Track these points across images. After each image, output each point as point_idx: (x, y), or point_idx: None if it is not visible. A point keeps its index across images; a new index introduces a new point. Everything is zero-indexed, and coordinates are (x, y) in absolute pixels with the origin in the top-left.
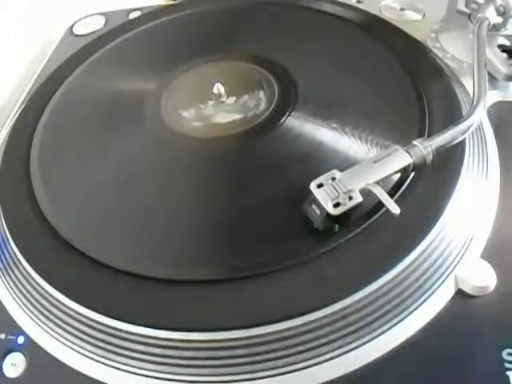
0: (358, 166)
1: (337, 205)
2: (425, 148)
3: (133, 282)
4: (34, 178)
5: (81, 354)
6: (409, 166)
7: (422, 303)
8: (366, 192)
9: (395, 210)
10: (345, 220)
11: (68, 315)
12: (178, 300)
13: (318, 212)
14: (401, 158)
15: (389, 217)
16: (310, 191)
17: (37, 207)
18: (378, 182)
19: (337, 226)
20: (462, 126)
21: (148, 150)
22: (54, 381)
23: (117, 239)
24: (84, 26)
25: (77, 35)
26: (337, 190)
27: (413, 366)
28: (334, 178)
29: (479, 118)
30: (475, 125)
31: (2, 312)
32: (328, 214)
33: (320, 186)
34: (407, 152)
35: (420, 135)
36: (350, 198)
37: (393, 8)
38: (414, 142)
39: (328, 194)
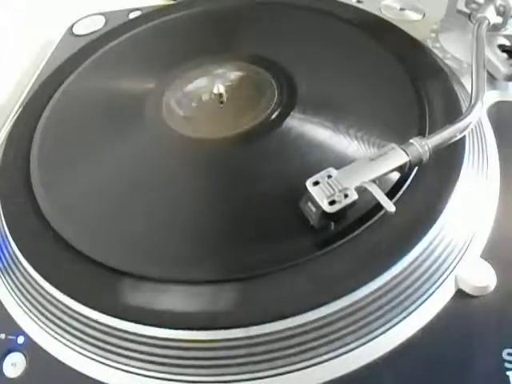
0: (354, 163)
1: (332, 202)
2: (421, 146)
3: (133, 282)
4: (33, 178)
5: (81, 353)
6: (405, 164)
7: (422, 303)
8: (363, 190)
9: (390, 208)
10: (341, 218)
11: (68, 315)
12: (177, 300)
13: (313, 210)
14: (397, 157)
15: (388, 216)
16: (306, 189)
17: (37, 207)
18: (374, 181)
19: (332, 223)
20: (460, 124)
21: (148, 151)
22: (54, 381)
23: (117, 239)
24: (84, 25)
25: (77, 35)
26: (332, 188)
27: (413, 366)
28: (329, 176)
29: (477, 116)
30: (473, 124)
31: (1, 312)
32: (324, 212)
33: (316, 183)
34: (404, 150)
35: (420, 135)
36: (346, 196)
37: (393, 8)
38: (411, 141)
39: (324, 192)
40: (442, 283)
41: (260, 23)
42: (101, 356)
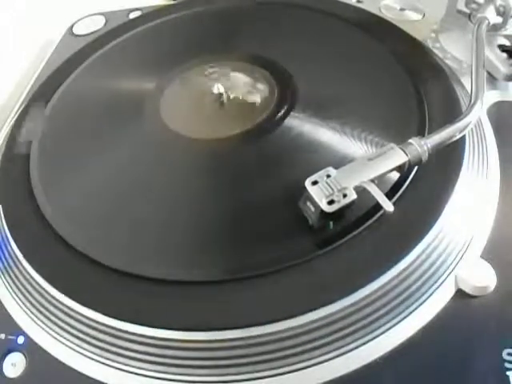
0: (353, 163)
1: (331, 202)
2: (420, 146)
3: (132, 282)
4: (33, 178)
5: (81, 353)
6: (404, 164)
7: (422, 303)
8: (362, 190)
9: (389, 208)
10: (340, 218)
11: (68, 315)
12: (177, 300)
13: (312, 209)
14: (396, 157)
15: (388, 216)
16: (305, 188)
17: (37, 207)
18: (373, 180)
19: (331, 223)
20: (459, 124)
21: (147, 151)
22: (54, 381)
23: (117, 239)
24: (84, 25)
25: (77, 35)
26: (331, 188)
27: (413, 365)
28: (328, 176)
29: (477, 116)
30: (473, 123)
31: (2, 312)
32: (322, 212)
33: (315, 183)
34: (403, 150)
35: (419, 135)
36: (345, 196)
37: (393, 8)
38: (410, 141)
39: (322, 192)
40: (442, 283)
41: (260, 23)
42: (101, 356)
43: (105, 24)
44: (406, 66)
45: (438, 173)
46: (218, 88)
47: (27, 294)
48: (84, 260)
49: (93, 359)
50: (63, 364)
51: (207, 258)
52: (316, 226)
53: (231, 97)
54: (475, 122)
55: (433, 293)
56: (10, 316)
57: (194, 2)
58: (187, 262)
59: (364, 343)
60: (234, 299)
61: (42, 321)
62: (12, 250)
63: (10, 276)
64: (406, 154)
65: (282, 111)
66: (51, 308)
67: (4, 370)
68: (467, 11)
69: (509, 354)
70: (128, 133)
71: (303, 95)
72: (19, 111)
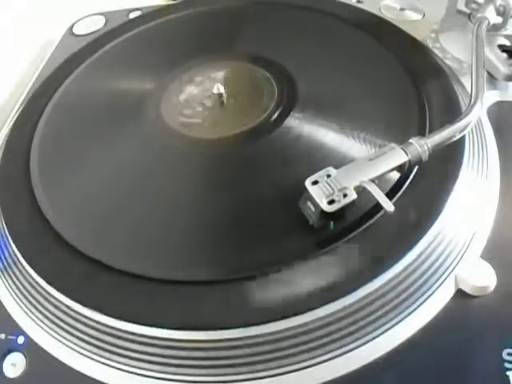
0: (354, 163)
1: (331, 202)
2: (421, 146)
3: (132, 282)
4: (33, 178)
5: (81, 353)
6: (404, 164)
7: (422, 303)
8: (362, 190)
9: (390, 208)
10: (340, 217)
11: (68, 315)
12: (177, 300)
13: (312, 209)
14: (396, 156)
15: (388, 216)
16: (305, 188)
17: (37, 207)
18: (373, 180)
19: (332, 223)
20: (460, 124)
21: (147, 151)
22: (54, 381)
23: (117, 239)
24: (84, 25)
25: (77, 35)
26: (332, 187)
27: (413, 365)
28: (329, 175)
29: (477, 116)
30: (473, 123)
31: (2, 312)
32: (323, 211)
33: (315, 183)
34: (403, 150)
35: (420, 135)
36: (345, 196)
37: (393, 8)
38: (410, 141)
39: (323, 191)
40: (442, 283)
41: (260, 23)
42: (101, 356)
43: (105, 24)
44: (406, 66)
45: (438, 173)
46: (218, 88)
47: (27, 294)
48: (84, 260)
49: (93, 359)
50: (63, 364)
51: (207, 258)
52: (316, 225)
53: (231, 97)
54: (475, 122)
55: (433, 293)
56: (10, 316)
57: (193, 2)
58: (187, 262)
59: (364, 343)
60: (233, 299)
61: (42, 321)
62: (12, 249)
63: (9, 276)
64: (407, 154)
65: (283, 111)
66: (51, 308)
67: (4, 370)
68: (467, 11)
69: (509, 354)
70: (128, 132)
71: (303, 95)
72: (19, 111)
